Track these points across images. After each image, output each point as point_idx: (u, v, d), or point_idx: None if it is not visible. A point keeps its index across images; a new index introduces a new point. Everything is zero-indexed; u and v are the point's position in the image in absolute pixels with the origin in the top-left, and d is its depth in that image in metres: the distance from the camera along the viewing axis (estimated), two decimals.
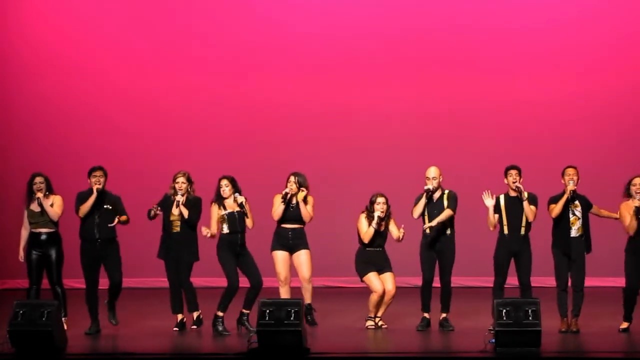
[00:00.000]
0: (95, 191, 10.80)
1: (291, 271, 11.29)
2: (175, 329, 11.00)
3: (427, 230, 10.90)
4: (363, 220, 11.07)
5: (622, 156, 14.45)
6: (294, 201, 11.15)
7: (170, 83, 15.21)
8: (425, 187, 10.92)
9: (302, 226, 11.26)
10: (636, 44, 14.88)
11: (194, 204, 11.01)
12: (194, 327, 11.05)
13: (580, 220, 10.74)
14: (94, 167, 10.95)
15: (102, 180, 10.87)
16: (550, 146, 14.79)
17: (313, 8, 15.23)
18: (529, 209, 10.76)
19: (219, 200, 10.90)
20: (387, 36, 15.06)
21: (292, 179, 11.17)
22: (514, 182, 10.76)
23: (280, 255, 11.18)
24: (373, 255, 11.05)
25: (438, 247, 10.96)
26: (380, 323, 11.06)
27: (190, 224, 11.01)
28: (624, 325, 10.68)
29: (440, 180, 10.98)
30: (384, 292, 10.92)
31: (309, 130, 15.04)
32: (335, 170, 14.58)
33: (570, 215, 10.73)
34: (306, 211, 11.17)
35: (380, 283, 10.98)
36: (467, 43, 14.96)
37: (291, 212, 11.16)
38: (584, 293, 10.75)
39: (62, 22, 15.35)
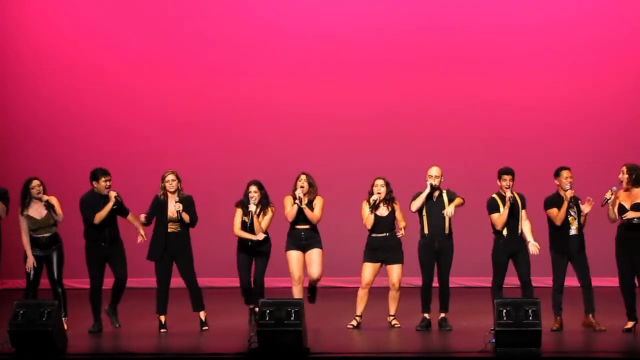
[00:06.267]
0: (113, 199, 10.80)
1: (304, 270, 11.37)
2: (162, 330, 10.94)
3: (446, 214, 10.83)
4: (364, 206, 11.09)
5: (618, 156, 14.42)
6: (305, 201, 11.15)
7: (171, 83, 15.17)
8: (429, 182, 10.92)
9: (313, 226, 11.28)
10: (633, 44, 14.87)
11: (189, 204, 11.01)
12: (206, 328, 11.00)
13: (577, 220, 10.77)
14: (103, 171, 10.91)
15: (110, 184, 10.89)
16: (550, 146, 14.76)
17: (313, 9, 15.20)
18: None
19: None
20: (385, 37, 15.03)
21: (302, 177, 11.21)
22: (507, 188, 10.81)
23: (294, 255, 11.24)
24: (378, 242, 11.03)
25: (437, 248, 10.96)
26: (393, 322, 11.07)
27: (192, 226, 11.03)
28: (629, 325, 10.64)
29: (442, 180, 11.00)
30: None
31: (308, 131, 15.02)
32: (334, 171, 14.53)
33: (568, 216, 10.77)
34: (311, 214, 11.17)
35: (368, 276, 11.01)
36: (465, 44, 14.92)
37: (303, 213, 11.20)
38: (592, 288, 10.76)
39: (61, 23, 15.32)
